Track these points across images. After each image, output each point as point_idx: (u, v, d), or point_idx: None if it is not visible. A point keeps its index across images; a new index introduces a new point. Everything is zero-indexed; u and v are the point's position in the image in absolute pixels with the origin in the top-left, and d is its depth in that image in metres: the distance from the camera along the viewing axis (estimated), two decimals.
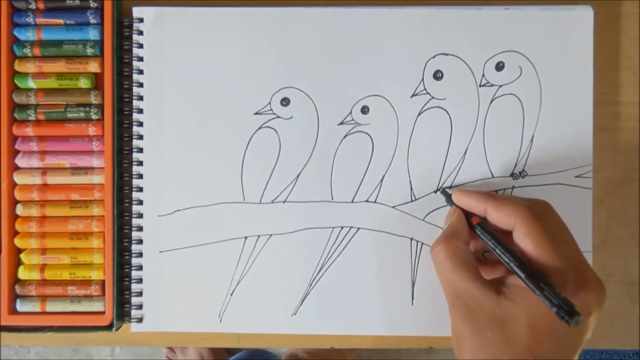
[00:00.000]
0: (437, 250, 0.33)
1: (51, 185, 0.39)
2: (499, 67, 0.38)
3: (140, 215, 0.39)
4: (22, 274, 0.39)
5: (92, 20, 0.39)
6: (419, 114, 0.39)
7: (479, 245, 0.36)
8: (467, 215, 0.35)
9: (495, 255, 0.32)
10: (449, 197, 0.37)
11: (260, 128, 0.39)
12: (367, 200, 0.39)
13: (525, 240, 0.30)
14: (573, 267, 0.30)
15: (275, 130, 0.39)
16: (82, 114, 0.39)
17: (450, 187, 0.38)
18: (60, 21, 0.39)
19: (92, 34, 0.39)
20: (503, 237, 0.32)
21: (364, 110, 0.39)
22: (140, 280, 0.39)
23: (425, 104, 0.39)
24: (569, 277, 0.29)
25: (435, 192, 0.39)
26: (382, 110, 0.39)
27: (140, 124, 0.39)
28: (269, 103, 0.39)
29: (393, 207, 0.39)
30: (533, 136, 0.38)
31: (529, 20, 0.38)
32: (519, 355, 0.29)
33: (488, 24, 0.38)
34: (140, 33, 0.39)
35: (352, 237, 0.39)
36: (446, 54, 0.38)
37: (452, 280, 0.31)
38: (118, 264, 0.38)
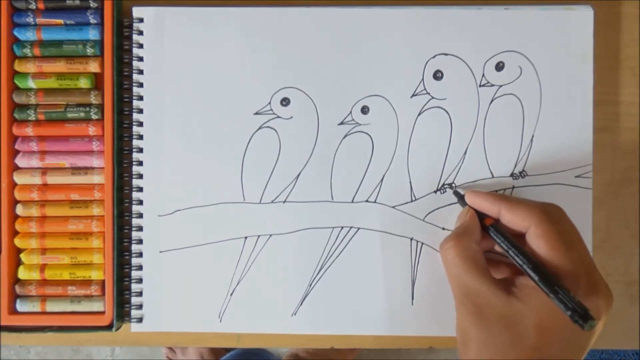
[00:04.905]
0: (447, 248, 0.33)
1: (51, 185, 0.39)
2: (499, 67, 0.38)
3: (140, 215, 0.39)
4: (22, 274, 0.39)
5: (92, 20, 0.39)
6: (419, 114, 0.39)
7: (485, 247, 0.36)
8: (480, 216, 0.35)
9: (503, 257, 0.31)
10: (461, 198, 0.37)
11: (260, 128, 0.39)
12: (367, 200, 0.39)
13: (539, 242, 0.30)
14: (585, 271, 0.30)
15: (275, 130, 0.39)
16: (82, 114, 0.39)
17: (459, 187, 0.38)
18: (60, 21, 0.39)
19: (92, 34, 0.39)
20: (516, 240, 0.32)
21: (364, 110, 0.39)
22: (140, 280, 0.39)
23: (425, 104, 0.39)
24: (581, 281, 0.29)
25: (435, 192, 0.39)
26: (382, 110, 0.39)
27: (140, 124, 0.39)
28: (269, 103, 0.39)
29: (393, 207, 0.39)
30: (533, 136, 0.38)
31: (529, 20, 0.38)
32: (526, 356, 0.29)
33: (488, 24, 0.38)
34: (140, 33, 0.39)
35: (352, 237, 0.39)
36: (446, 54, 0.38)
37: (462, 278, 0.31)
38: (118, 264, 0.38)
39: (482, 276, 0.31)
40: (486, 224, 0.34)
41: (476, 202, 0.35)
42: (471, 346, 0.31)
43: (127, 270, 0.39)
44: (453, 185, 0.39)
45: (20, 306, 0.39)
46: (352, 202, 0.39)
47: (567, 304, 0.27)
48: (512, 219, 0.32)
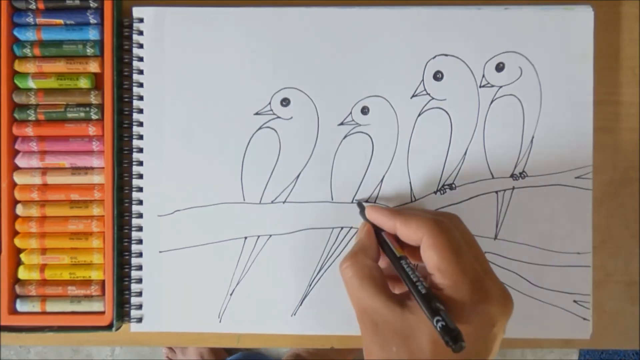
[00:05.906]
0: (345, 268, 0.33)
1: (51, 185, 0.39)
2: (499, 67, 0.38)
3: (140, 215, 0.39)
4: (22, 274, 0.39)
5: (92, 20, 0.39)
6: (419, 115, 0.39)
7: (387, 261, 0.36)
8: (379, 230, 0.35)
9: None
10: (362, 211, 0.36)
11: (260, 128, 0.39)
12: (367, 201, 0.39)
13: (430, 252, 0.30)
14: (474, 280, 0.30)
15: (275, 131, 0.39)
16: (82, 114, 0.39)
17: (367, 200, 0.38)
18: (60, 21, 0.39)
19: (92, 34, 0.39)
20: (414, 253, 0.32)
21: (364, 110, 0.39)
22: (139, 280, 0.39)
23: (425, 105, 0.39)
24: (468, 291, 0.29)
25: (435, 192, 0.39)
26: (382, 111, 0.39)
27: (140, 124, 0.39)
28: (269, 103, 0.39)
29: (393, 207, 0.39)
30: (533, 137, 0.38)
31: (529, 20, 0.38)
32: None
33: (488, 24, 0.38)
34: (140, 33, 0.39)
35: (352, 237, 0.39)
36: (446, 55, 0.38)
37: (359, 297, 0.31)
38: (118, 264, 0.39)
39: (378, 293, 0.31)
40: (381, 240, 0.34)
41: (374, 217, 0.35)
42: None
43: (127, 270, 0.39)
44: (452, 186, 0.38)
45: (20, 306, 0.39)
46: (352, 202, 0.39)
47: (438, 323, 0.27)
48: (406, 232, 0.32)
